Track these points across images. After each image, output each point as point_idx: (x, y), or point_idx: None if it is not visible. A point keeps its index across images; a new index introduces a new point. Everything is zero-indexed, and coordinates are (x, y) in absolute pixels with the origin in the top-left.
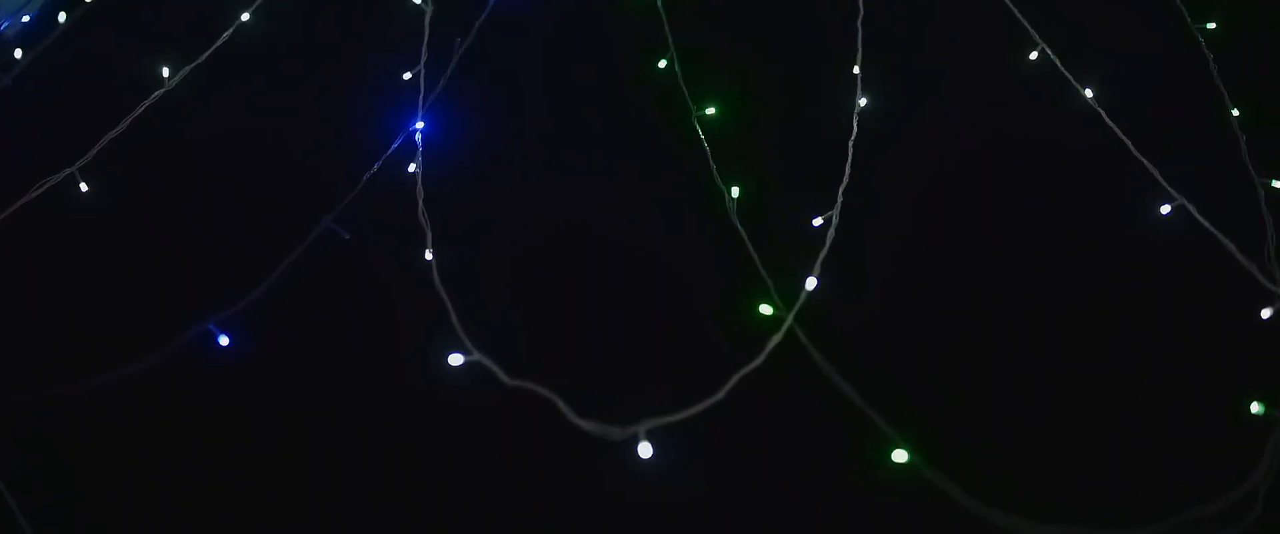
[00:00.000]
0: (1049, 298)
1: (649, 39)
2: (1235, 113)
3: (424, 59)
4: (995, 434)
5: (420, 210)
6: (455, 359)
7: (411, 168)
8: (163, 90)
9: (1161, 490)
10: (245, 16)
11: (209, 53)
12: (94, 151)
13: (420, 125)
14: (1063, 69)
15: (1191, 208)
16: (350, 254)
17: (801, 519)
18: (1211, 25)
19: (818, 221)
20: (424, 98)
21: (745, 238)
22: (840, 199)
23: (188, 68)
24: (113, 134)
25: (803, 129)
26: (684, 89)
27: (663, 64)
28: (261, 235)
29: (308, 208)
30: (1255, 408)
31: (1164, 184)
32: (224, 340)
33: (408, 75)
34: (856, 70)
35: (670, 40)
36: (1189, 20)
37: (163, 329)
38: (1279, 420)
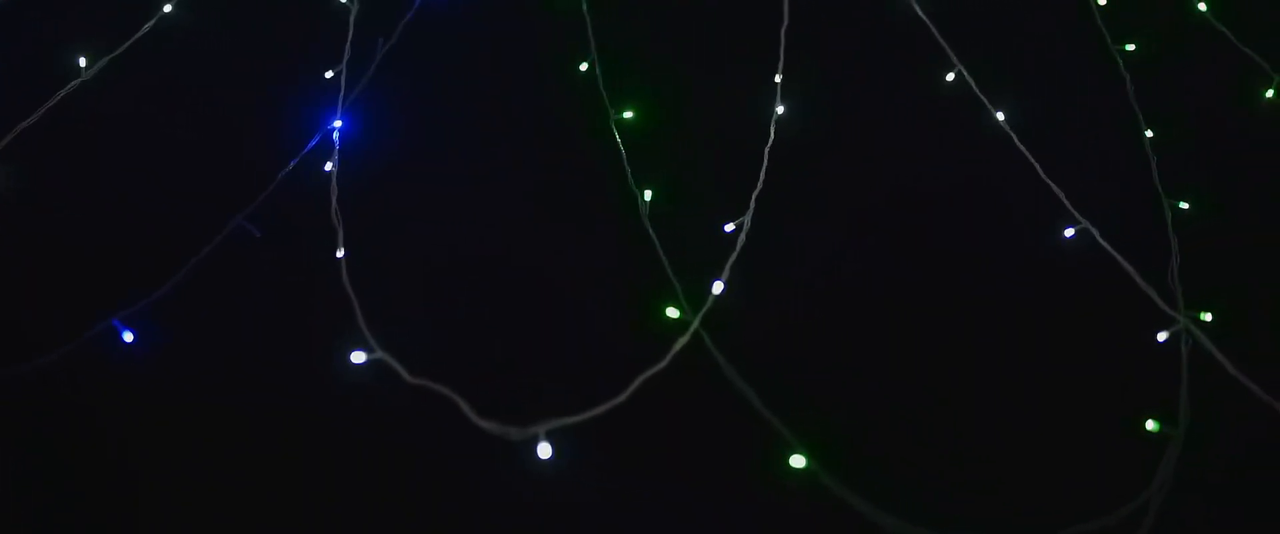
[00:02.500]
0: (954, 313)
1: (573, 41)
2: (1149, 134)
3: (346, 57)
4: (895, 444)
5: (333, 209)
6: (358, 356)
7: (327, 166)
8: (78, 81)
9: (1057, 503)
10: (167, 8)
11: (128, 44)
12: (6, 141)
13: (338, 124)
14: (977, 91)
15: (1094, 231)
16: (261, 251)
17: (699, 523)
18: (1130, 47)
19: (730, 227)
20: (344, 96)
21: (656, 241)
22: (753, 205)
23: (105, 60)
24: (25, 124)
25: (721, 135)
26: (603, 92)
27: (584, 67)
28: (172, 231)
29: (221, 204)
30: (1150, 425)
31: (1068, 207)
32: (129, 337)
33: (330, 73)
34: (778, 78)
35: (593, 43)
36: (1109, 41)
37: (67, 324)
38: (1173, 438)
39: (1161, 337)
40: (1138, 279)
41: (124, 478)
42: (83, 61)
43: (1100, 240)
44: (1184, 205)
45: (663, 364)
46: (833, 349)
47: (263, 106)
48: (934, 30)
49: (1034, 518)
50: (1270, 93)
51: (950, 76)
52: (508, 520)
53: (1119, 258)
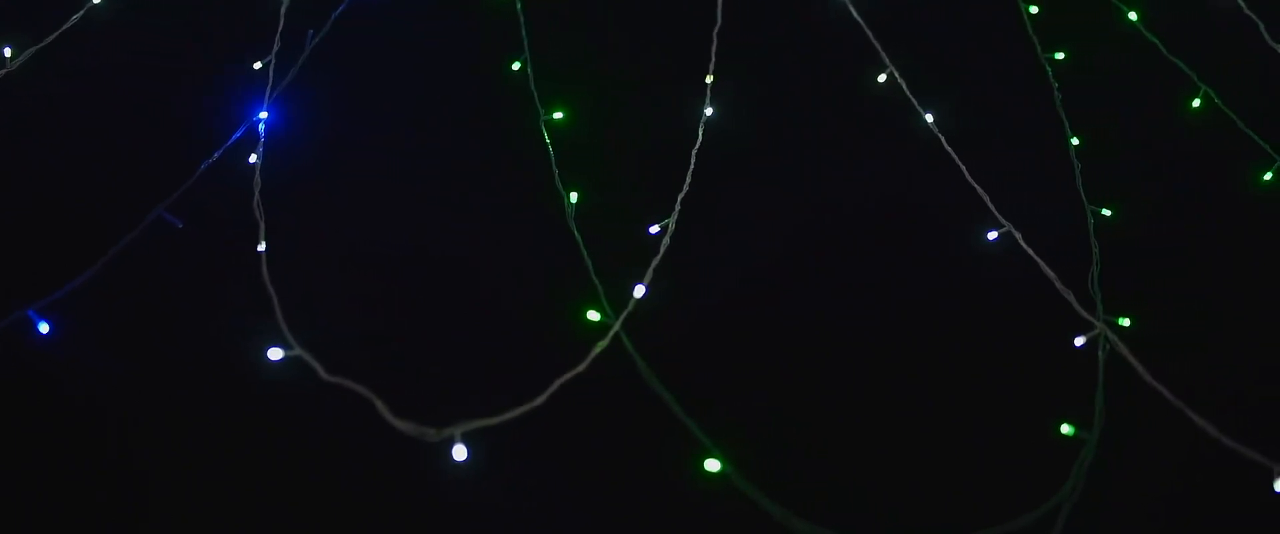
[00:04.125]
0: (875, 317)
1: (506, 40)
2: (1075, 142)
3: (276, 49)
4: (811, 448)
5: (256, 202)
6: (275, 353)
7: (252, 158)
8: (4, 71)
9: (970, 507)
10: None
11: (56, 35)
12: None
13: (264, 116)
14: (908, 93)
15: (1017, 235)
16: (181, 243)
17: (613, 526)
18: (1059, 56)
19: (655, 229)
20: (271, 88)
21: (580, 243)
22: (678, 207)
23: (32, 49)
24: None
25: (650, 137)
26: (534, 92)
27: (517, 66)
28: (92, 221)
29: (143, 195)
30: (1065, 429)
31: (992, 210)
32: (44, 328)
33: (258, 64)
34: (709, 80)
35: (525, 42)
36: (1039, 50)
37: None
38: (1087, 442)
39: (1079, 341)
40: (1057, 284)
41: (28, 470)
42: (8, 52)
43: (1022, 244)
44: (1106, 212)
45: (582, 367)
46: (753, 353)
47: (189, 96)
48: (868, 32)
49: (947, 522)
50: (1197, 103)
51: (882, 78)
52: (422, 522)
53: (1040, 262)
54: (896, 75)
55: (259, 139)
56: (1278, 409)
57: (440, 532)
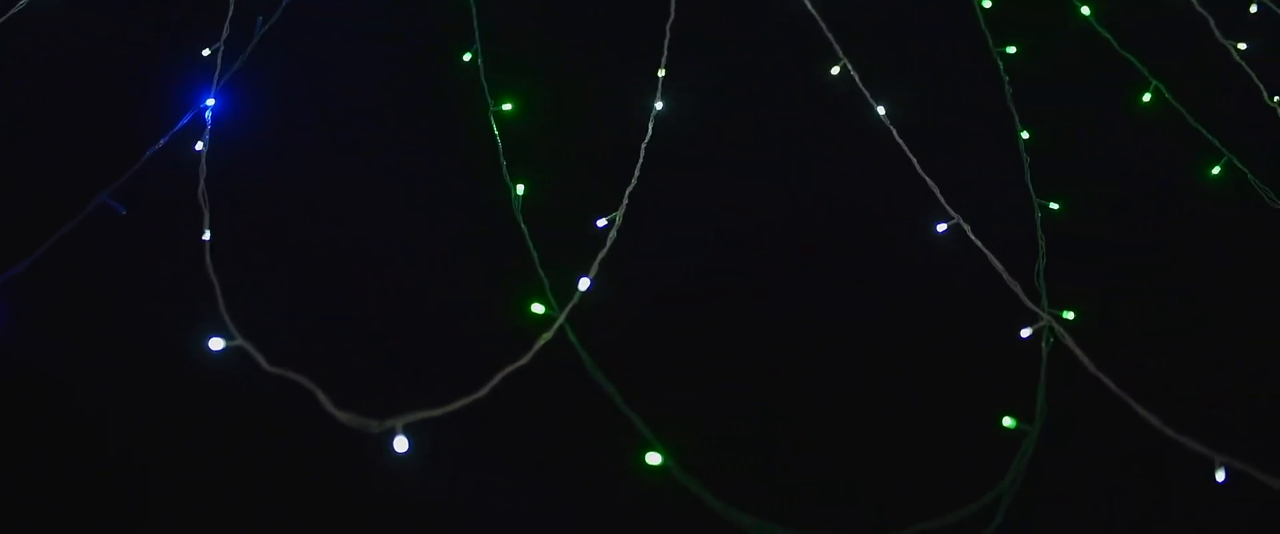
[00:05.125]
0: (821, 310)
1: (458, 31)
2: (1025, 135)
3: (225, 35)
4: (753, 441)
5: (201, 190)
6: (217, 343)
7: (198, 146)
8: None
9: (910, 499)
10: None
11: (5, 18)
12: None
13: (211, 103)
14: (861, 85)
15: (966, 227)
16: (125, 230)
17: (553, 518)
18: (1011, 50)
19: (601, 223)
20: (220, 75)
21: (527, 235)
22: (626, 201)
23: None
24: None
25: (600, 130)
26: (484, 84)
27: (468, 57)
28: (36, 206)
29: (87, 181)
30: (1007, 421)
31: (943, 202)
32: None
33: (207, 51)
34: (661, 73)
35: (477, 34)
36: (991, 44)
37: None
38: (1028, 434)
39: (1025, 333)
40: (1005, 275)
41: None
42: None
43: (971, 236)
44: (1054, 205)
45: (525, 359)
46: (697, 347)
47: (137, 82)
48: (822, 25)
49: (888, 514)
50: (1147, 97)
51: (835, 70)
52: (362, 513)
53: (988, 254)
54: (850, 68)
55: (206, 126)
56: (1220, 401)
57: (380, 523)
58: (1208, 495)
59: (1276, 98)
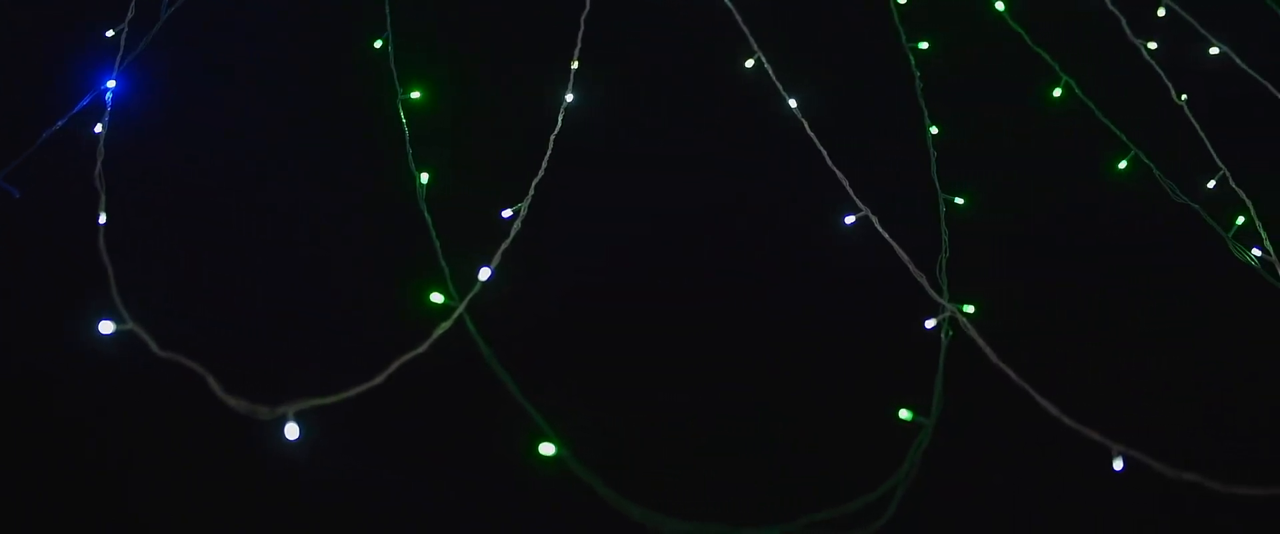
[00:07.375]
0: (726, 302)
1: (369, 17)
2: (934, 130)
3: (130, 16)
4: (648, 433)
5: (97, 173)
6: (107, 326)
7: (97, 128)
8: None
9: (803, 491)
10: None
11: None
12: None
13: (112, 85)
14: (774, 78)
15: (874, 219)
16: (18, 212)
17: (445, 506)
18: (923, 45)
19: (507, 213)
20: (122, 56)
21: (430, 224)
22: (532, 192)
23: None
24: None
25: (510, 120)
26: (393, 70)
27: (379, 44)
28: None
29: None
30: (904, 414)
31: (851, 194)
32: None
33: (110, 32)
34: (574, 65)
35: (389, 20)
36: (903, 39)
37: None
38: (924, 427)
39: (929, 324)
40: (911, 267)
41: None
42: None
43: (879, 228)
44: (959, 200)
45: (423, 348)
46: (597, 339)
47: (36, 62)
48: (738, 17)
49: (774, 506)
50: (1058, 92)
51: (749, 63)
52: (251, 500)
53: (895, 246)
54: (763, 61)
55: (106, 108)
56: (1119, 392)
57: (269, 511)
58: (1105, 484)
59: (1184, 96)
